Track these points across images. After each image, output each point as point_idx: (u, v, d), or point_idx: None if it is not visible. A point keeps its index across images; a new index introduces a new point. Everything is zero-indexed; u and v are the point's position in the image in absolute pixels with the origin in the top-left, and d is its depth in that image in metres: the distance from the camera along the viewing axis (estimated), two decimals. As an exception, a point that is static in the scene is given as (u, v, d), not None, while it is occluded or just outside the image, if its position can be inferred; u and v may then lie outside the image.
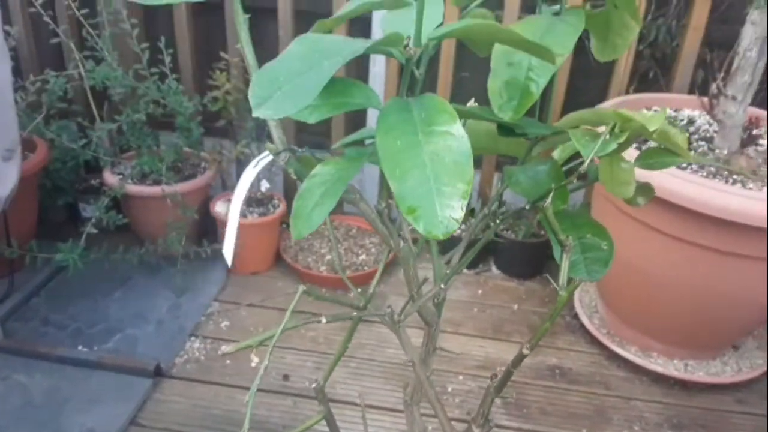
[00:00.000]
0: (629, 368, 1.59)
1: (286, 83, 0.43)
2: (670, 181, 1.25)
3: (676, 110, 1.66)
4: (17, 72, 1.85)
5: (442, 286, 0.71)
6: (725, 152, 1.43)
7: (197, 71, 1.97)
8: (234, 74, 1.86)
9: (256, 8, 1.66)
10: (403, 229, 0.71)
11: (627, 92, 1.80)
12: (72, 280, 1.73)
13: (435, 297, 0.74)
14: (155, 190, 1.78)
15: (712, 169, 1.37)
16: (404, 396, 0.85)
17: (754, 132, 1.49)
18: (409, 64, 0.52)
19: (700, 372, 1.54)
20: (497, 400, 0.72)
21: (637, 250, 1.43)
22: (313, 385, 0.75)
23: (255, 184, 1.88)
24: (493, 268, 1.99)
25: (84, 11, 1.74)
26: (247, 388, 1.46)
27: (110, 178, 1.84)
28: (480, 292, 1.89)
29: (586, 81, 1.83)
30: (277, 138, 0.62)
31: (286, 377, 1.52)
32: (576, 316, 1.73)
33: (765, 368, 1.57)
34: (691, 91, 1.73)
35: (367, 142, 0.64)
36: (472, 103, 0.68)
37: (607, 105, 1.59)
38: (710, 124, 1.55)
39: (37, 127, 1.80)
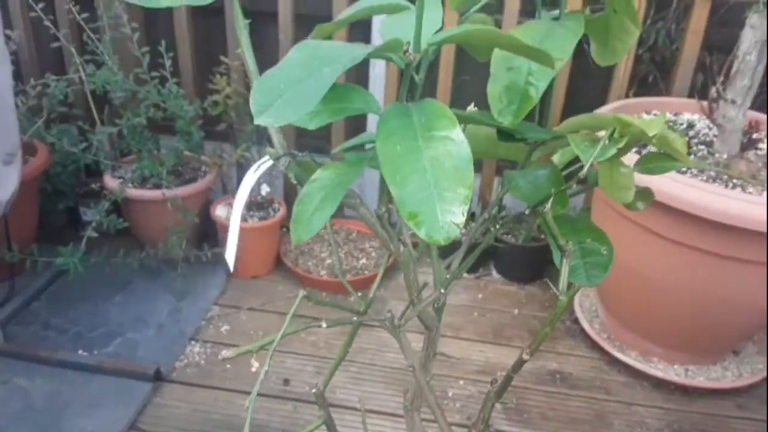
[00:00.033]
0: (630, 373, 1.59)
1: (286, 91, 0.43)
2: (669, 185, 1.25)
3: (675, 114, 1.67)
4: (18, 76, 1.85)
5: (443, 290, 0.71)
6: (725, 156, 1.43)
7: (198, 75, 1.97)
8: (234, 78, 1.86)
9: (256, 12, 1.68)
10: (403, 233, 0.71)
11: (627, 96, 1.80)
12: (72, 284, 1.73)
13: (435, 302, 0.74)
14: (156, 194, 1.78)
15: (712, 173, 1.37)
16: (404, 401, 0.85)
17: (754, 136, 1.49)
18: (409, 70, 0.52)
19: (700, 377, 1.54)
20: (497, 405, 0.72)
21: (637, 254, 1.42)
22: (314, 390, 0.75)
23: (255, 188, 1.89)
24: (494, 272, 1.99)
25: (84, 15, 1.75)
26: (247, 393, 1.46)
27: (111, 182, 1.84)
28: (480, 296, 1.89)
29: (586, 84, 1.83)
30: (278, 143, 0.62)
31: (286, 382, 1.51)
32: (576, 321, 1.73)
33: (765, 373, 1.57)
34: (690, 95, 1.74)
35: (368, 146, 0.64)
36: (471, 108, 0.68)
37: (606, 109, 1.59)
38: (710, 128, 1.55)
39: (37, 131, 1.80)
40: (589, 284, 0.61)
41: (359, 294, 0.76)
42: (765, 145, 1.49)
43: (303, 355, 1.60)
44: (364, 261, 1.92)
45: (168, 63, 1.78)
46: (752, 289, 1.33)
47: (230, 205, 1.91)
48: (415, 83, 0.54)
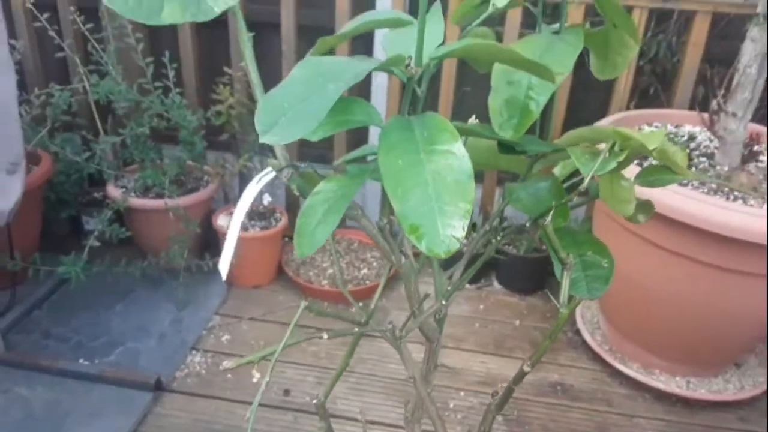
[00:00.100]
0: (631, 385, 1.58)
1: (290, 109, 0.44)
2: (671, 198, 1.25)
3: (676, 126, 1.67)
4: (22, 85, 1.86)
5: (444, 302, 0.71)
6: (726, 168, 1.44)
7: (201, 85, 1.98)
8: (237, 89, 1.87)
9: (259, 23, 1.69)
10: (405, 244, 0.72)
11: (628, 108, 1.81)
12: (74, 293, 1.74)
13: (436, 313, 0.74)
14: (158, 203, 1.79)
15: (713, 185, 1.37)
16: (405, 412, 0.85)
17: (755, 148, 1.49)
18: (411, 83, 0.53)
19: (702, 389, 1.53)
20: (499, 417, 0.72)
21: (638, 266, 1.43)
22: (314, 401, 0.75)
23: (257, 197, 1.89)
24: (495, 283, 1.99)
25: (89, 26, 1.76)
26: (248, 403, 1.46)
27: (113, 191, 1.85)
28: (482, 307, 1.88)
29: (587, 96, 1.84)
30: (280, 154, 0.63)
31: (286, 392, 1.51)
32: (578, 332, 1.73)
33: (767, 386, 1.56)
34: (691, 107, 1.74)
35: (369, 158, 0.65)
36: (473, 120, 0.69)
37: (607, 121, 1.60)
38: (711, 140, 1.56)
39: (41, 140, 1.81)
40: (590, 297, 0.62)
41: (360, 304, 0.76)
42: (765, 158, 1.49)
43: (304, 366, 1.60)
44: (365, 271, 1.92)
45: (171, 73, 1.79)
46: (753, 301, 1.33)
47: (232, 214, 1.91)
48: (416, 96, 0.55)
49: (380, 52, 0.54)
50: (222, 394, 1.50)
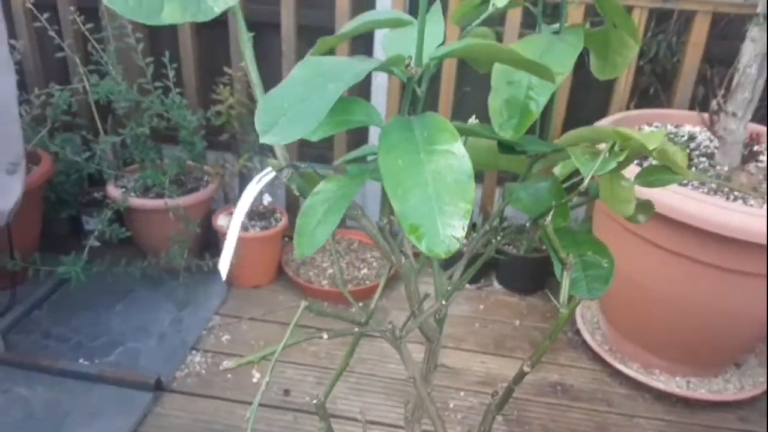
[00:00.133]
0: (631, 385, 1.58)
1: (290, 109, 0.44)
2: (671, 198, 1.25)
3: (676, 126, 1.67)
4: (22, 85, 1.86)
5: (444, 302, 0.71)
6: (726, 168, 1.44)
7: (201, 85, 1.98)
8: (237, 89, 1.87)
9: (259, 23, 1.69)
10: (404, 244, 0.72)
11: (628, 108, 1.81)
12: (74, 293, 1.74)
13: (436, 313, 0.74)
14: (158, 203, 1.79)
15: (713, 185, 1.37)
16: (405, 412, 0.85)
17: (755, 148, 1.49)
18: (411, 83, 0.53)
19: (702, 389, 1.53)
20: (498, 417, 0.72)
21: (638, 266, 1.43)
22: (314, 401, 0.75)
23: (257, 197, 1.89)
24: (495, 283, 1.99)
25: (89, 26, 1.76)
26: (248, 403, 1.46)
27: (113, 191, 1.85)
28: (482, 307, 1.88)
29: (587, 95, 1.84)
30: (280, 154, 0.63)
31: (286, 392, 1.51)
32: (578, 332, 1.73)
33: (767, 386, 1.56)
34: (691, 107, 1.74)
35: (369, 158, 0.64)
36: (473, 120, 0.69)
37: (607, 121, 1.60)
38: (711, 140, 1.56)
39: (41, 140, 1.81)
40: (590, 297, 0.62)
41: (360, 304, 0.76)
42: (765, 158, 1.49)
43: (303, 365, 1.60)
44: (365, 271, 1.92)
45: (171, 73, 1.79)
46: (753, 301, 1.33)
47: (232, 214, 1.91)
48: (416, 96, 0.55)
49: (380, 52, 0.54)
50: (222, 394, 1.50)
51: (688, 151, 1.53)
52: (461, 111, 1.90)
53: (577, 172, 0.72)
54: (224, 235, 1.85)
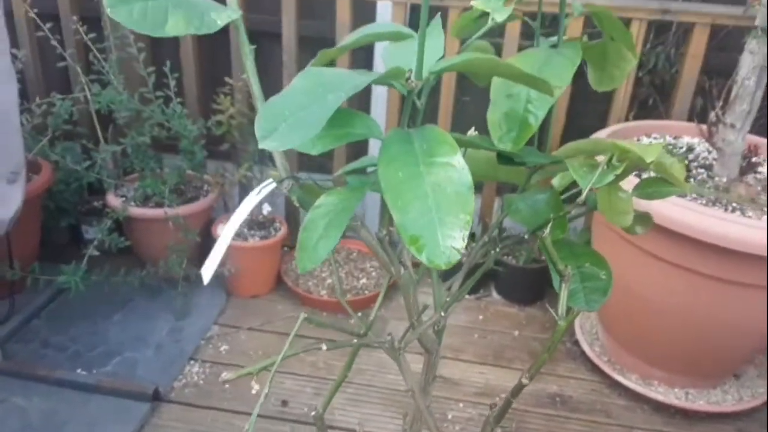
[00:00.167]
0: (630, 396, 1.58)
1: (290, 116, 0.44)
2: (669, 209, 1.25)
3: (675, 137, 1.68)
4: (24, 95, 1.87)
5: (443, 313, 0.71)
6: (724, 180, 1.44)
7: (202, 95, 1.99)
8: (238, 99, 1.88)
9: (261, 33, 1.70)
10: (404, 255, 0.72)
11: (627, 119, 1.82)
12: (73, 302, 1.73)
13: (435, 324, 0.74)
14: (158, 212, 1.79)
15: (712, 196, 1.38)
16: (404, 424, 0.84)
17: (753, 159, 1.50)
18: (411, 96, 0.53)
19: (701, 401, 1.53)
20: (497, 430, 0.72)
21: (637, 277, 1.43)
22: (313, 413, 0.74)
23: (257, 207, 1.89)
24: (494, 294, 1.99)
25: (91, 35, 1.77)
26: (246, 414, 1.45)
27: (113, 200, 1.85)
28: (480, 317, 1.88)
29: (586, 106, 1.85)
30: (280, 165, 0.63)
31: (284, 403, 1.51)
32: (577, 343, 1.73)
33: (766, 397, 1.56)
34: (690, 119, 1.75)
35: (369, 169, 0.65)
36: (472, 132, 0.69)
37: (606, 132, 1.61)
38: (709, 152, 1.56)
39: (42, 149, 1.81)
40: (588, 309, 0.62)
41: (359, 314, 0.76)
42: (764, 169, 1.50)
43: (302, 376, 1.59)
44: (364, 281, 1.92)
45: (173, 83, 1.80)
46: (754, 312, 1.33)
47: (232, 224, 1.91)
48: (416, 108, 0.55)
49: (380, 64, 0.55)
50: (220, 404, 1.49)
51: (686, 162, 1.54)
52: (460, 120, 1.91)
53: (575, 183, 0.72)
54: (223, 244, 1.84)
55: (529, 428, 1.49)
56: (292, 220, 2.03)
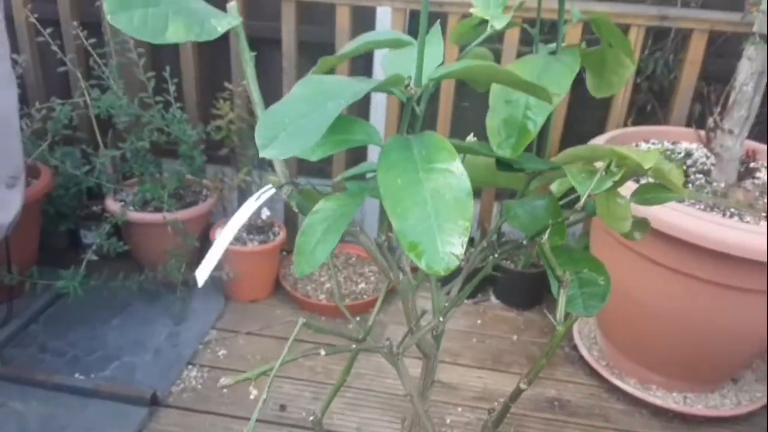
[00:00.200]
0: (628, 401, 1.58)
1: (290, 124, 0.44)
2: (668, 214, 1.26)
3: (673, 143, 1.68)
4: (24, 99, 1.87)
5: (441, 319, 0.71)
6: (723, 185, 1.45)
7: (201, 100, 1.99)
8: (237, 104, 1.88)
9: (260, 39, 1.70)
10: (402, 261, 0.72)
11: (625, 124, 1.82)
12: (71, 307, 1.73)
13: (434, 330, 0.75)
14: (156, 217, 1.79)
15: (710, 201, 1.38)
16: (402, 429, 0.85)
17: (751, 165, 1.51)
18: (410, 103, 0.54)
19: (699, 405, 1.53)
20: (496, 434, 0.72)
21: (635, 282, 1.43)
22: (311, 418, 0.75)
23: (255, 211, 1.89)
24: (492, 298, 1.99)
25: (92, 41, 1.77)
26: (244, 418, 1.45)
27: (112, 204, 1.85)
28: (479, 322, 1.88)
29: (585, 111, 1.85)
30: (280, 171, 0.63)
31: (282, 407, 1.51)
32: (575, 348, 1.73)
33: (764, 401, 1.56)
34: (688, 124, 1.76)
35: (368, 175, 0.65)
36: (471, 138, 0.69)
37: (604, 137, 1.61)
38: (708, 157, 1.57)
39: (41, 153, 1.81)
40: (587, 314, 0.62)
41: (358, 319, 0.77)
42: (762, 175, 1.50)
43: (300, 380, 1.59)
44: (363, 285, 1.92)
45: (172, 88, 1.80)
46: (752, 317, 1.33)
47: (231, 228, 1.91)
48: (415, 115, 0.55)
49: (380, 69, 0.55)
50: (218, 409, 1.49)
51: (684, 167, 1.54)
52: (460, 126, 1.92)
53: (574, 189, 0.72)
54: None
55: (527, 433, 1.49)
56: (291, 224, 2.03)
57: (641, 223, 0.69)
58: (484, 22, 0.64)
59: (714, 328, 1.38)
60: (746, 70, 1.38)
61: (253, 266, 1.86)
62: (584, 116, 1.87)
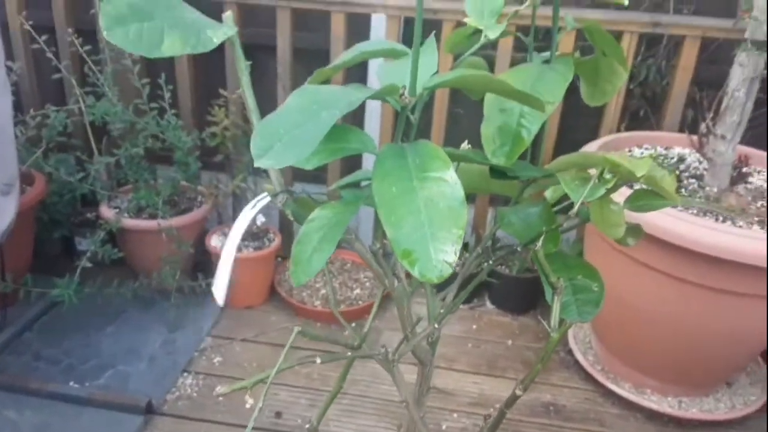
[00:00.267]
0: (624, 405, 1.58)
1: (285, 135, 0.45)
2: (661, 219, 1.26)
3: (666, 148, 1.69)
4: (18, 106, 1.87)
5: (436, 325, 0.72)
6: (715, 190, 1.45)
7: (196, 107, 1.99)
8: (232, 110, 1.88)
9: (255, 45, 1.71)
10: (397, 268, 0.72)
11: (618, 130, 1.83)
12: (66, 315, 1.72)
13: (429, 336, 0.75)
14: (151, 224, 1.79)
15: (703, 206, 1.39)
16: (398, 435, 0.85)
17: (744, 170, 1.52)
18: (405, 112, 0.54)
19: (693, 409, 1.54)
20: (491, 440, 0.72)
21: (629, 287, 1.43)
22: (307, 425, 0.75)
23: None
24: (488, 303, 1.99)
25: (86, 48, 1.77)
26: (240, 426, 1.45)
27: (106, 211, 1.84)
28: (474, 327, 1.89)
29: (578, 118, 1.86)
30: (275, 178, 0.63)
31: (278, 414, 1.50)
32: (570, 352, 1.73)
33: (759, 404, 1.57)
34: (681, 130, 1.77)
35: (363, 183, 0.65)
36: (465, 146, 0.70)
37: (597, 143, 1.62)
38: (700, 162, 1.58)
39: (35, 160, 1.81)
40: (581, 320, 0.62)
41: (353, 325, 0.77)
42: (759, 180, 1.51)
43: (296, 388, 1.59)
44: (358, 291, 1.92)
45: (167, 95, 1.80)
46: (744, 321, 1.34)
47: (225, 235, 1.91)
48: (410, 123, 0.56)
49: (374, 81, 0.56)
50: (213, 417, 1.49)
51: (677, 172, 1.55)
52: (454, 132, 1.92)
53: (568, 196, 0.73)
54: (217, 255, 1.84)
55: (523, 439, 1.49)
56: (286, 230, 2.03)
57: (634, 229, 0.69)
58: (478, 32, 0.64)
59: (707, 332, 1.39)
60: (738, 76, 1.39)
61: (249, 273, 1.85)
62: (578, 124, 1.88)
